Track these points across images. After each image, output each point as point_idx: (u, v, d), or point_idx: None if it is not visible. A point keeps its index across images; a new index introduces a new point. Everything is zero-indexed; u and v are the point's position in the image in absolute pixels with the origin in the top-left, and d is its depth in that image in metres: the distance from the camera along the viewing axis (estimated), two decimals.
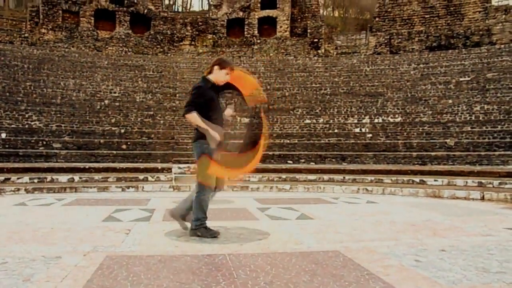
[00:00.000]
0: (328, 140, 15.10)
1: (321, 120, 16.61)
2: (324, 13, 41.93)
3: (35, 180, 9.77)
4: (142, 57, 22.88)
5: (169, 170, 11.56)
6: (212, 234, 4.28)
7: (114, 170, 11.32)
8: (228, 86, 4.43)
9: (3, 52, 19.25)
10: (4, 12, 33.09)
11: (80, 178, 10.26)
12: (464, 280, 2.90)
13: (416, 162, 13.03)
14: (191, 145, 4.59)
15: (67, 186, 9.44)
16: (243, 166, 4.24)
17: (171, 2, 46.44)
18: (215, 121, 4.25)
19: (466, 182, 9.69)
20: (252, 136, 4.38)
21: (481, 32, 21.41)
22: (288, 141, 15.12)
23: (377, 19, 24.28)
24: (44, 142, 13.24)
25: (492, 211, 6.56)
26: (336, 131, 15.79)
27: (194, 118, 4.21)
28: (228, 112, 4.53)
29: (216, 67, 4.32)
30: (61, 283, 2.76)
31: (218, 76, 4.33)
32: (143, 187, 9.84)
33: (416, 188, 9.41)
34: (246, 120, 16.46)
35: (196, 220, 4.30)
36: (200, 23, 25.85)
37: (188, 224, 4.45)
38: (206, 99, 4.24)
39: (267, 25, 25.75)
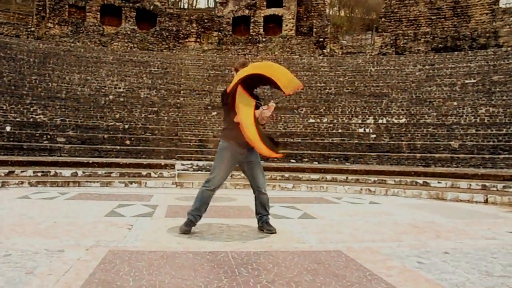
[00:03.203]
0: (332, 140, 15.07)
1: (325, 120, 16.59)
2: (330, 13, 41.82)
3: (39, 174, 9.80)
4: (147, 53, 22.90)
5: (172, 166, 11.57)
6: (183, 230, 4.23)
7: (117, 165, 11.34)
8: (260, 79, 4.08)
9: (10, 45, 19.30)
10: (11, 6, 33.17)
11: (84, 172, 10.29)
12: (467, 283, 2.88)
13: (419, 164, 12.99)
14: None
15: (71, 180, 9.46)
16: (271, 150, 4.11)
17: None
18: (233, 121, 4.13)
19: (470, 185, 9.65)
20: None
21: (488, 35, 21.30)
22: (291, 140, 15.10)
23: (383, 19, 24.20)
24: (48, 136, 13.28)
25: (495, 215, 6.52)
26: (340, 131, 15.76)
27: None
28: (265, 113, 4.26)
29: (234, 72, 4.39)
30: (63, 277, 2.76)
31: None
32: (146, 183, 9.85)
33: (419, 189, 9.38)
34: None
35: (193, 211, 4.29)
36: (206, 20, 25.84)
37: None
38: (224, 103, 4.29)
39: (273, 24, 25.71)
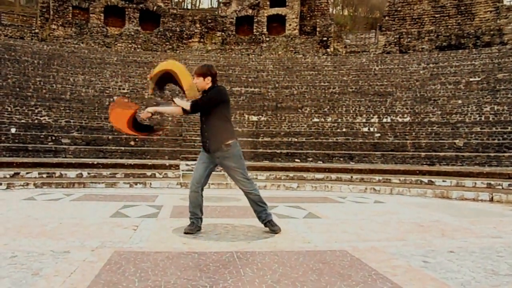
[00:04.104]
0: (336, 139, 15.05)
1: (329, 119, 16.56)
2: (334, 12, 41.78)
3: (44, 175, 9.84)
4: (151, 53, 22.94)
5: (176, 167, 11.59)
6: (188, 231, 4.29)
7: (122, 166, 11.37)
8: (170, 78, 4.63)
9: (14, 47, 19.39)
10: (15, 8, 33.36)
11: (89, 173, 10.32)
12: (473, 282, 2.87)
13: (424, 163, 12.95)
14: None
15: (76, 182, 9.50)
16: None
17: None
18: None
19: (475, 183, 9.61)
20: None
21: (492, 32, 21.20)
22: (296, 140, 15.09)
23: (386, 18, 24.13)
24: (53, 138, 13.33)
25: (501, 213, 6.50)
26: (344, 130, 15.73)
27: None
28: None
29: None
30: (69, 278, 2.77)
31: None
32: (150, 184, 9.88)
33: (424, 188, 9.35)
34: (255, 118, 16.50)
35: (190, 214, 4.41)
36: (209, 21, 25.85)
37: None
38: None
39: (276, 23, 25.69)
